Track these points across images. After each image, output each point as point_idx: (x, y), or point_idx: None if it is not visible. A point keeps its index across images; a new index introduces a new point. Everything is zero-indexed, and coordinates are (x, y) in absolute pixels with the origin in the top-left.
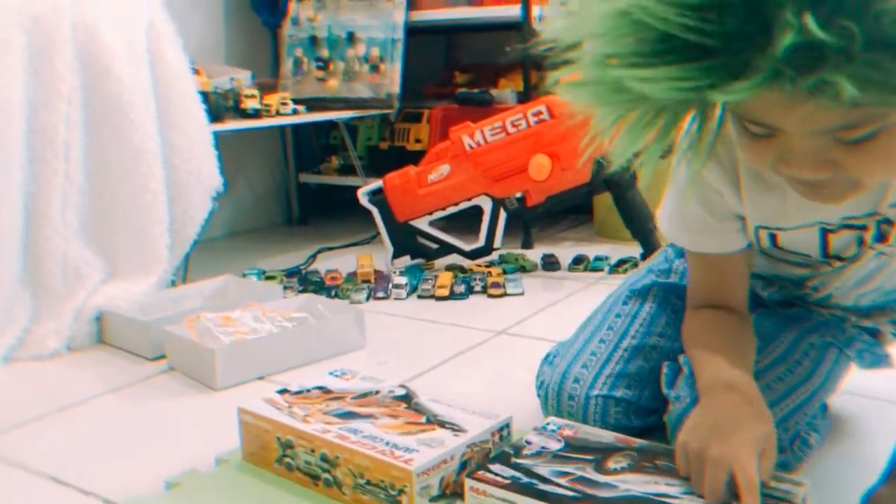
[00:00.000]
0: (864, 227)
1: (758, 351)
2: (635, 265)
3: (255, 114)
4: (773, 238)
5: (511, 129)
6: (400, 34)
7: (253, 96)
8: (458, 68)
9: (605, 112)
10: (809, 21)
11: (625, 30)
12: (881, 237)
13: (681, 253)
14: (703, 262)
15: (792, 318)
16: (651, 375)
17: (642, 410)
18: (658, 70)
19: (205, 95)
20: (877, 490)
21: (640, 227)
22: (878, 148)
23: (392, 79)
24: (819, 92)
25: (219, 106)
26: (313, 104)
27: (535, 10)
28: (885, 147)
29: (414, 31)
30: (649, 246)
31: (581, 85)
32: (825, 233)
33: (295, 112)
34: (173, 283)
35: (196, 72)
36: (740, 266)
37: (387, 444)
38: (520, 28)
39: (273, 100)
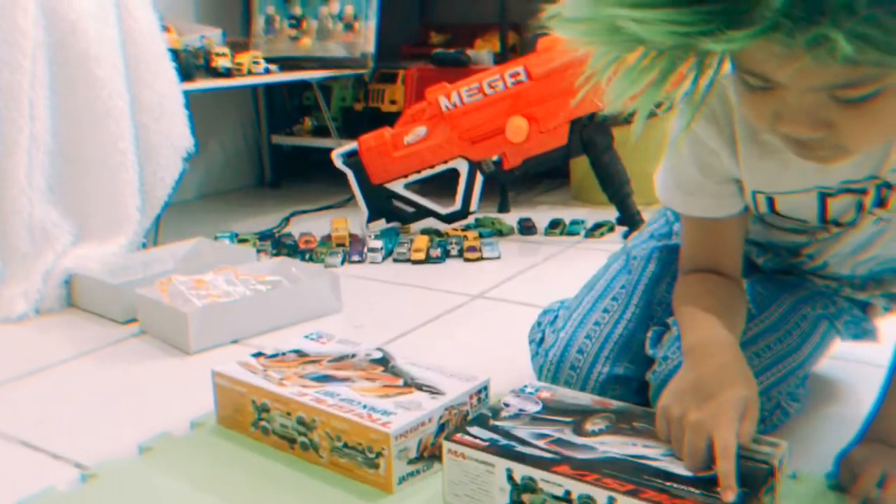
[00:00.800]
0: (863, 191)
1: (750, 318)
2: (611, 229)
3: (227, 73)
4: (770, 203)
5: (488, 91)
6: None
7: (224, 55)
8: (434, 28)
9: (600, 53)
10: None
11: None
12: (880, 202)
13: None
14: (697, 225)
15: (787, 286)
16: (654, 345)
17: (642, 387)
18: (655, 12)
19: (175, 53)
20: (851, 449)
21: (617, 190)
22: (874, 111)
23: (366, 37)
24: (817, 47)
25: (189, 64)
26: (286, 63)
27: None
28: (881, 110)
29: None
30: (626, 210)
31: (575, 21)
32: (824, 197)
33: (267, 71)
34: (144, 246)
35: (166, 29)
36: (735, 231)
37: (364, 406)
38: None
39: (244, 59)
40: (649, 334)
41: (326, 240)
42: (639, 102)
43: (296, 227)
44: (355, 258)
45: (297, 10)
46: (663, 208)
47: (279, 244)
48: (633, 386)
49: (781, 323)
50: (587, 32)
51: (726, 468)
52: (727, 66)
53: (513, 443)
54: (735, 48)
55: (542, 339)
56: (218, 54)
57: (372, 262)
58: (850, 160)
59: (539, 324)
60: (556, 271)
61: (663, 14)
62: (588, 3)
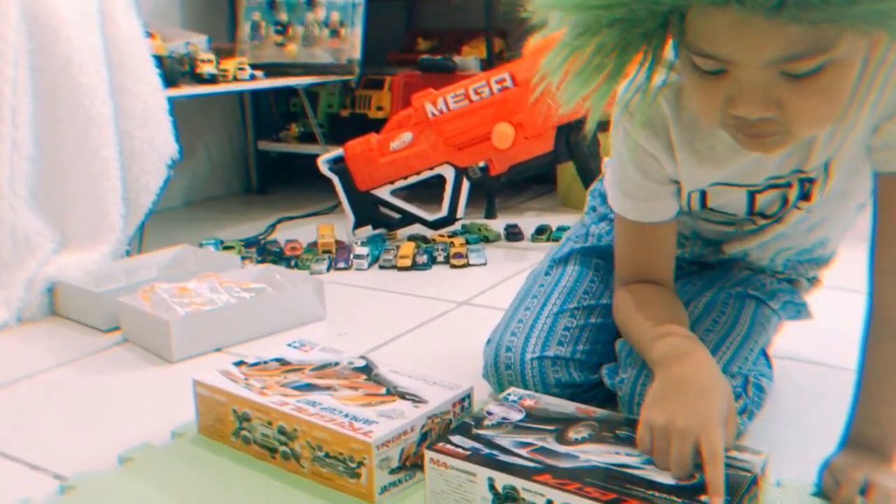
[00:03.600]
0: (788, 185)
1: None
2: None
3: (212, 79)
4: (702, 198)
5: (474, 97)
6: None
7: (209, 61)
8: (421, 34)
9: (568, 20)
10: None
11: None
12: (804, 196)
13: (598, 219)
14: (635, 232)
15: (710, 278)
16: (582, 331)
17: (582, 366)
18: None
19: (159, 60)
20: (833, 457)
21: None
22: (822, 84)
23: (353, 44)
24: (780, 4)
25: (174, 71)
26: (272, 70)
27: None
28: (829, 84)
29: None
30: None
31: None
32: (752, 194)
33: (253, 77)
34: (128, 253)
35: (150, 35)
36: (669, 238)
37: (346, 416)
38: None
39: (230, 65)
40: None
41: (312, 246)
42: (592, 101)
43: (282, 234)
44: (341, 265)
45: (283, 17)
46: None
47: (265, 251)
48: (571, 365)
49: (711, 306)
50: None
51: (715, 475)
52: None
53: (495, 452)
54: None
55: (485, 364)
56: (203, 60)
57: (358, 269)
58: (787, 148)
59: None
60: None
61: None
62: None
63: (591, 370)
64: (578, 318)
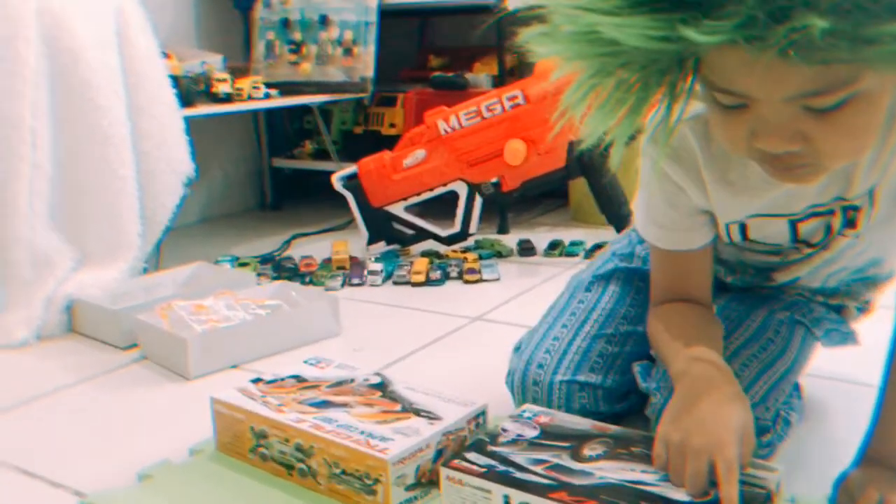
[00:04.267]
0: (831, 213)
1: (730, 332)
2: None
3: (227, 98)
4: (742, 230)
5: (486, 114)
6: (373, 17)
7: (224, 80)
8: (433, 51)
9: (578, 65)
10: None
11: None
12: (848, 223)
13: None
14: (668, 258)
15: (759, 300)
16: (616, 359)
17: (610, 395)
18: (633, 18)
19: (175, 80)
20: (849, 474)
21: (615, 212)
22: (847, 118)
23: (366, 62)
24: (790, 45)
25: (190, 90)
26: (286, 88)
27: None
28: (854, 117)
29: (387, 14)
30: (622, 230)
31: (553, 34)
32: (793, 223)
33: (267, 96)
34: (145, 271)
35: (166, 56)
36: (705, 262)
37: (362, 433)
38: (494, 9)
39: (245, 84)
40: (636, 369)
41: (327, 263)
42: (615, 134)
43: (297, 251)
44: (355, 281)
45: (297, 36)
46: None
47: (280, 268)
48: (603, 395)
49: (761, 332)
50: (566, 47)
51: (730, 492)
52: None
53: (510, 469)
54: (711, 42)
55: (510, 370)
56: (218, 80)
57: (372, 285)
58: (823, 178)
59: (511, 358)
60: (555, 293)
61: (641, 19)
62: (567, 16)
63: (618, 400)
64: (614, 346)
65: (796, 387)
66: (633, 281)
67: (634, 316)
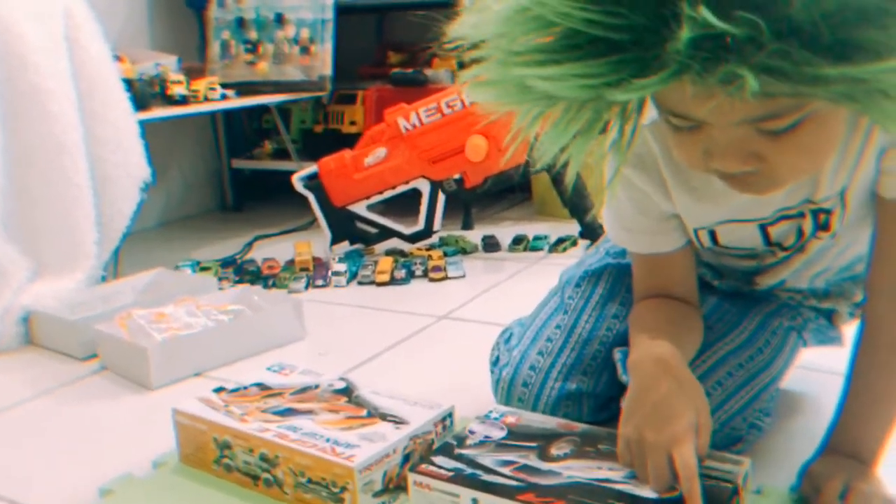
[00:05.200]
0: (801, 216)
1: (722, 335)
2: (574, 243)
3: (183, 100)
4: (712, 236)
5: (446, 110)
6: (330, 14)
7: (179, 82)
8: (391, 48)
9: (522, 111)
10: (706, 13)
11: (526, 26)
12: (822, 226)
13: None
14: (645, 261)
15: (753, 300)
16: (607, 360)
17: (596, 404)
18: (562, 67)
19: (129, 83)
20: (813, 463)
21: (578, 205)
22: (802, 138)
23: (323, 60)
24: (728, 84)
25: (144, 93)
26: (243, 88)
27: None
28: (809, 136)
29: (344, 10)
30: (587, 224)
31: (486, 84)
32: (763, 227)
33: (224, 97)
34: (104, 279)
35: (118, 58)
36: (683, 262)
37: (327, 440)
38: (451, 6)
39: (201, 85)
40: (617, 356)
41: (290, 264)
42: (570, 153)
43: (259, 252)
44: (319, 282)
45: (253, 35)
46: None
47: (242, 271)
48: (589, 403)
49: (753, 340)
50: (500, 95)
51: (690, 487)
52: (651, 112)
53: (478, 471)
54: (646, 94)
55: (497, 359)
56: (173, 82)
57: (336, 286)
58: (784, 189)
59: (497, 344)
60: (521, 288)
61: (569, 69)
62: (496, 66)
63: (602, 409)
64: (606, 344)
65: (776, 392)
66: (625, 279)
67: (624, 315)
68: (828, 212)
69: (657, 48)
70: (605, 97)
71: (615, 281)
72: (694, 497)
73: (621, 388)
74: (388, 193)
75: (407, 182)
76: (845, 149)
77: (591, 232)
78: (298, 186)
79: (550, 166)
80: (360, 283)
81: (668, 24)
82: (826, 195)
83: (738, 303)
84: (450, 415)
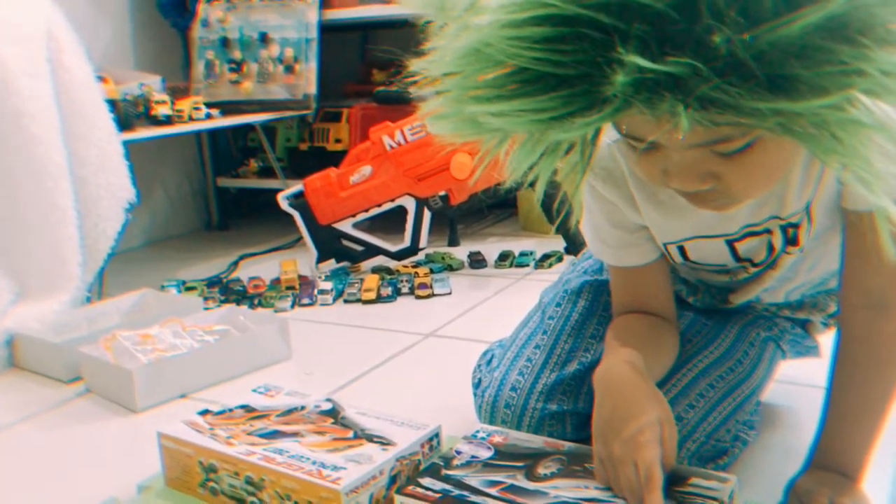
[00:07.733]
0: (768, 231)
1: (700, 349)
2: (560, 259)
3: (167, 120)
4: (682, 251)
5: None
6: (314, 33)
7: (164, 102)
8: (376, 65)
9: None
10: (637, 59)
11: (478, 65)
12: (790, 241)
13: None
14: (622, 274)
15: (730, 313)
16: (587, 378)
17: (580, 419)
18: (511, 104)
19: (112, 104)
20: (798, 479)
21: (563, 221)
22: (756, 157)
23: (308, 79)
24: (673, 116)
25: (128, 114)
26: (228, 108)
27: None
28: (763, 156)
29: (328, 29)
30: (573, 239)
31: (442, 118)
32: (730, 242)
33: (209, 117)
34: (88, 300)
35: (102, 79)
36: (660, 275)
37: (314, 463)
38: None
39: (185, 105)
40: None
41: (276, 283)
42: (537, 171)
43: (245, 272)
44: (305, 301)
45: (237, 55)
46: None
47: (228, 290)
48: (573, 421)
49: (732, 351)
50: (456, 129)
51: (653, 499)
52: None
53: (465, 492)
54: (593, 129)
55: (479, 381)
56: (158, 102)
57: (323, 305)
58: (745, 205)
59: (479, 366)
60: (507, 305)
61: (518, 104)
62: (451, 101)
63: (586, 426)
64: (584, 363)
65: (758, 404)
66: (603, 296)
67: (602, 333)
68: (795, 226)
69: (603, 84)
70: (554, 132)
71: (594, 298)
72: None
73: None
74: (374, 211)
75: (392, 200)
76: (809, 164)
77: (577, 248)
78: (284, 205)
79: (532, 183)
80: (347, 301)
81: (608, 64)
82: (794, 211)
83: (715, 316)
84: (437, 435)
